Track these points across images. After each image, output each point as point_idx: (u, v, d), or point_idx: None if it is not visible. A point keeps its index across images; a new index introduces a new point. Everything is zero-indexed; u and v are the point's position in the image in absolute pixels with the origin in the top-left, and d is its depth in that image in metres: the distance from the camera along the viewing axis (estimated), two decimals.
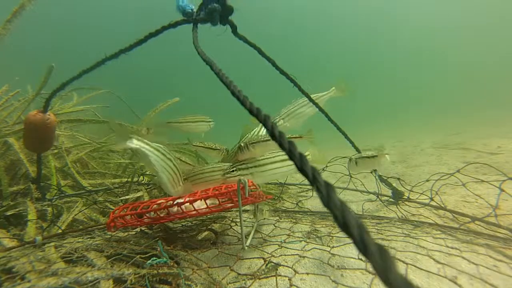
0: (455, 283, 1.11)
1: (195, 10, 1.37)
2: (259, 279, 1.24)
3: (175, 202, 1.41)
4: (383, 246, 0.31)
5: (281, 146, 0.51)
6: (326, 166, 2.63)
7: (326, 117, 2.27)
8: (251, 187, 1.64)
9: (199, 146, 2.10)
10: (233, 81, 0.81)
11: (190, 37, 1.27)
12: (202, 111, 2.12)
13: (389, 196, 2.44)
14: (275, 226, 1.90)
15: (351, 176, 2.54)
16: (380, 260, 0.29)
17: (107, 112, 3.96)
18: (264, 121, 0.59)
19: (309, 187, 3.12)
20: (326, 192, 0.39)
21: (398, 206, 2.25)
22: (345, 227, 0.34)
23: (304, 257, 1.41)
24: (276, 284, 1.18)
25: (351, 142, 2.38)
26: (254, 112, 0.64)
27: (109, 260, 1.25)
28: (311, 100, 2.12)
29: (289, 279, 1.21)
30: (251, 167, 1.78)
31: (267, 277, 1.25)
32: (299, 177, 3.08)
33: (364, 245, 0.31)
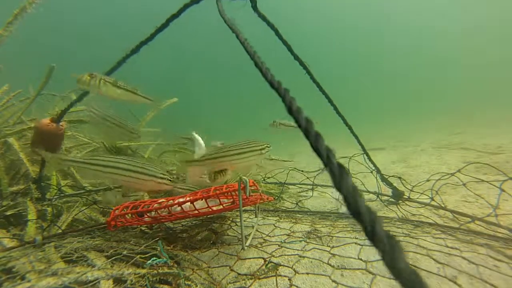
0: (455, 283, 1.11)
1: None
2: (259, 279, 1.24)
3: (175, 202, 1.42)
4: (392, 235, 0.29)
5: (298, 122, 0.51)
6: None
7: (334, 109, 2.36)
8: (252, 187, 1.63)
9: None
10: (257, 52, 0.79)
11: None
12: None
13: (389, 196, 2.44)
14: (275, 226, 1.90)
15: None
16: (388, 248, 0.28)
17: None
18: (284, 95, 0.58)
19: (309, 186, 3.12)
20: (339, 174, 0.38)
21: (398, 205, 2.25)
22: (355, 212, 0.33)
23: (304, 257, 1.41)
24: (276, 284, 1.18)
25: (356, 137, 2.40)
26: (275, 85, 0.63)
27: (109, 260, 1.25)
28: (321, 90, 2.15)
29: (289, 279, 1.21)
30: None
31: (267, 277, 1.25)
32: (300, 177, 3.07)
33: (373, 232, 0.30)
